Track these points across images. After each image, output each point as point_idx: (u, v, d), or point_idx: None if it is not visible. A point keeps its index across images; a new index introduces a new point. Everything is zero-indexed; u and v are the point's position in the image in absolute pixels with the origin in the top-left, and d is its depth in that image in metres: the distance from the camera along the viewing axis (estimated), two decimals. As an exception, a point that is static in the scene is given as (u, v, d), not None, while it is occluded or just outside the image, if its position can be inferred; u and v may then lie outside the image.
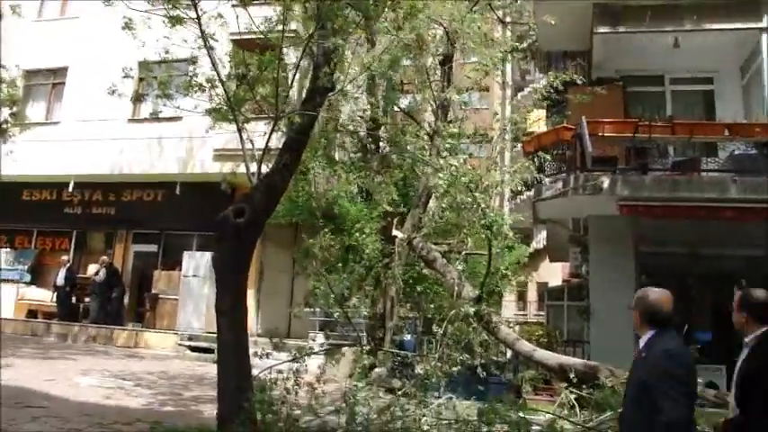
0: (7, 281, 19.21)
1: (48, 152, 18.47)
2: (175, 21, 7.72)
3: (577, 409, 8.13)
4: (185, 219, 17.45)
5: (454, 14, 10.29)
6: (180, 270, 17.56)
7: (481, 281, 9.55)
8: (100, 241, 20.12)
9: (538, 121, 15.40)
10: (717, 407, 7.82)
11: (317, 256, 9.89)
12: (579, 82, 12.53)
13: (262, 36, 8.15)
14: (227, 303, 7.09)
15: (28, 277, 19.49)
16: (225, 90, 7.78)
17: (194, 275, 17.06)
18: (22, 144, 17.64)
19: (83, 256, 19.92)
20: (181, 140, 17.32)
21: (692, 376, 3.61)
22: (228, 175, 9.51)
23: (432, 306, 10.88)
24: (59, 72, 19.98)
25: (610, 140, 12.21)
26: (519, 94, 28.00)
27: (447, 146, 7.98)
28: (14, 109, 17.81)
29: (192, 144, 17.33)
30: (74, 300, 18.39)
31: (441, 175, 7.73)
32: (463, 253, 10.16)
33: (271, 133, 7.42)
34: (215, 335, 7.66)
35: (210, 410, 7.57)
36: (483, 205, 7.86)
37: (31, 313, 18.52)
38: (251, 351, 7.73)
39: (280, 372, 7.70)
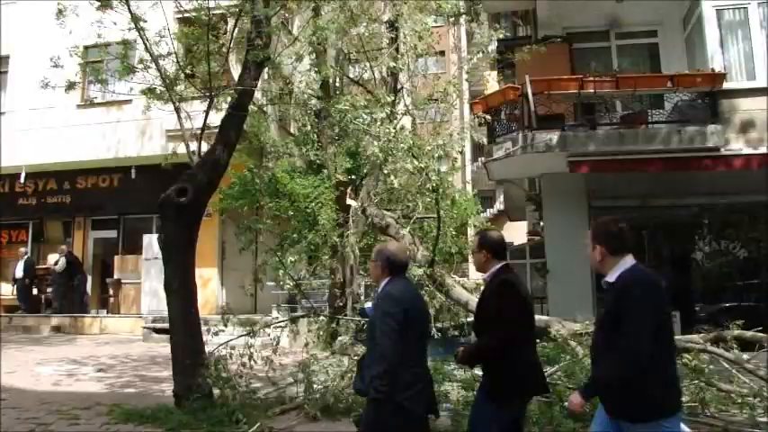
0: (-35, 277, 18.89)
1: (-4, 144, 18.02)
2: (104, 4, 7.59)
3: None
4: (143, 202, 17.19)
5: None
6: (140, 254, 17.43)
7: (433, 244, 9.66)
8: (58, 230, 19.86)
9: (486, 83, 15.45)
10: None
11: (268, 228, 9.88)
12: (524, 42, 12.55)
13: (195, 12, 8.05)
14: (175, 282, 7.12)
15: (-15, 272, 19.18)
16: (158, 69, 7.67)
17: (155, 258, 16.84)
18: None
19: (41, 246, 19.67)
20: (133, 124, 17.04)
21: (411, 313, 4.02)
22: (170, 155, 9.42)
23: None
24: (2, 61, 19.37)
25: (556, 98, 12.30)
26: (474, 58, 28.04)
27: (382, 114, 7.99)
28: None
29: (146, 127, 17.09)
30: (35, 291, 18.20)
31: (375, 143, 7.76)
32: (414, 217, 10.20)
33: (208, 110, 7.38)
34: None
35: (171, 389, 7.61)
36: (426, 169, 7.91)
37: (-8, 308, 18.28)
38: (209, 329, 7.80)
39: (233, 348, 7.78)
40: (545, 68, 12.39)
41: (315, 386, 7.77)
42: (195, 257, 7.40)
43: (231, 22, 8.54)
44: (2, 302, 18.37)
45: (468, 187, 25.99)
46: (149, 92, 7.97)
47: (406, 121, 11.78)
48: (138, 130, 17.27)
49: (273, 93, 13.42)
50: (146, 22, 7.67)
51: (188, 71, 8.06)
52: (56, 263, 17.56)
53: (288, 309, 14.55)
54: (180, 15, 10.81)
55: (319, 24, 9.30)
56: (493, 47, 16.25)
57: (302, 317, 10.08)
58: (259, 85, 8.81)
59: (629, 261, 3.70)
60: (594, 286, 12.78)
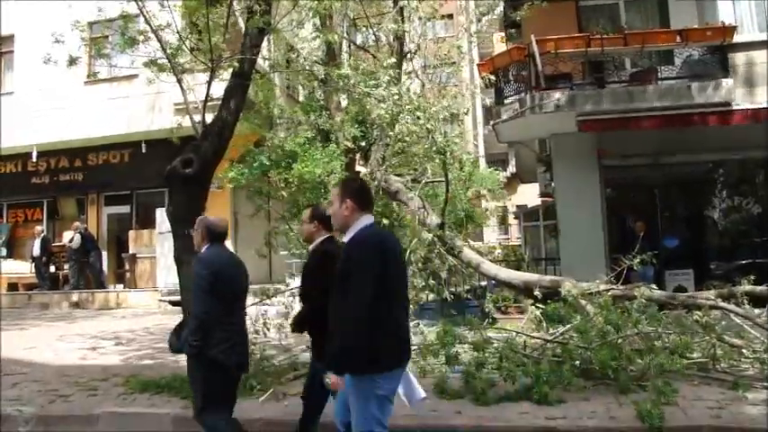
0: (-17, 258, 19.15)
1: (5, 124, 18.11)
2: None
3: (545, 324, 8.38)
4: (154, 177, 17.19)
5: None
6: (154, 228, 17.55)
7: (442, 207, 9.64)
8: (72, 208, 20.04)
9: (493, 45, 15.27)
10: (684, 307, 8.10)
11: (277, 198, 9.87)
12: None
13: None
14: (185, 254, 7.15)
15: (4, 251, 19.43)
16: (159, 40, 7.63)
17: (168, 232, 16.91)
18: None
19: (56, 224, 19.89)
20: (142, 98, 17.00)
21: (221, 276, 4.48)
22: (176, 128, 9.41)
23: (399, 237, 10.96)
24: (5, 41, 19.34)
25: (563, 57, 12.16)
26: (484, 19, 27.75)
27: (387, 77, 7.92)
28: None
29: (154, 101, 17.05)
30: (52, 269, 18.44)
31: (383, 105, 7.71)
32: (423, 181, 10.18)
33: (210, 81, 7.35)
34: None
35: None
36: (433, 131, 7.85)
37: (12, 286, 18.58)
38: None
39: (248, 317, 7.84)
40: (552, 28, 12.24)
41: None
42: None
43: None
44: (21, 281, 18.63)
45: (476, 148, 25.76)
46: (152, 64, 7.96)
47: (415, 86, 11.64)
48: (146, 105, 17.23)
49: (278, 60, 13.28)
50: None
51: (189, 42, 7.99)
52: (71, 240, 17.74)
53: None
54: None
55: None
56: (500, 8, 16.05)
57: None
58: (264, 53, 8.75)
59: (366, 220, 3.75)
60: (607, 246, 12.78)
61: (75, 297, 17.08)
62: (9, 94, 19.10)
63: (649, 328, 7.12)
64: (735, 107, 11.70)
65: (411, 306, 8.94)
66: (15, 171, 19.42)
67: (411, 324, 8.64)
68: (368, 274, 3.45)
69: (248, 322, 7.91)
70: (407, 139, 8.45)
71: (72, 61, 7.95)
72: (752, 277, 8.16)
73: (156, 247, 17.19)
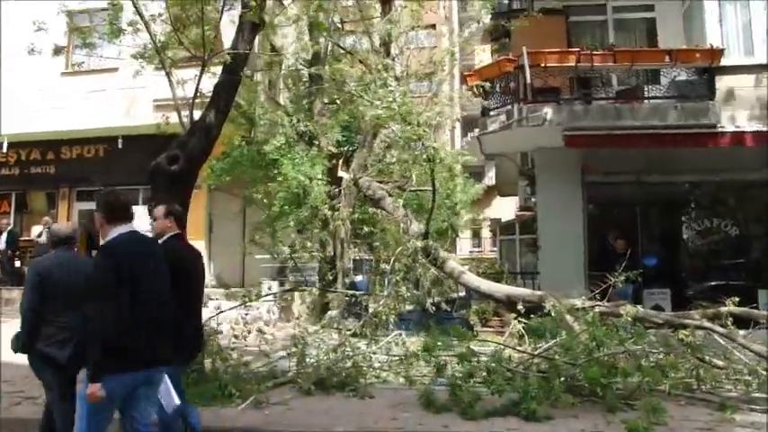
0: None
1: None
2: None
3: (526, 338, 8.29)
4: (130, 173, 16.89)
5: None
6: (127, 226, 17.08)
7: (427, 216, 9.51)
8: (41, 201, 19.49)
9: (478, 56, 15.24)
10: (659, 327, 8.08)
11: (258, 204, 9.68)
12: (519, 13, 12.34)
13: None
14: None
15: (-33, 243, 18.76)
16: (149, 32, 7.39)
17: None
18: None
19: (24, 217, 19.31)
20: (120, 92, 16.59)
21: (49, 279, 4.68)
22: (163, 123, 9.14)
23: (380, 245, 10.84)
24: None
25: (553, 71, 12.12)
26: (466, 31, 27.83)
27: (380, 81, 7.79)
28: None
29: (133, 95, 16.64)
30: (18, 263, 17.85)
31: (377, 103, 7.57)
32: (408, 189, 10.05)
33: (200, 76, 7.14)
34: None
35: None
36: (423, 137, 7.73)
37: (-25, 281, 17.92)
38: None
39: (222, 321, 7.64)
40: (541, 42, 12.19)
41: (307, 360, 7.67)
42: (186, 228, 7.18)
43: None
44: (-16, 274, 18.03)
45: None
46: (140, 56, 7.71)
47: (399, 94, 11.54)
48: (125, 99, 16.82)
49: (265, 60, 13.07)
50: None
51: (178, 35, 7.74)
52: (39, 235, 17.18)
53: (277, 282, 14.37)
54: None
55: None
56: (487, 18, 16.03)
57: (293, 290, 9.93)
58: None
59: (118, 230, 3.92)
60: (587, 262, 12.75)
61: (41, 293, 16.54)
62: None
63: (636, 347, 7.06)
64: (720, 129, 11.77)
65: (391, 316, 8.81)
66: (-17, 161, 18.81)
67: (391, 335, 8.54)
68: (105, 279, 3.68)
69: (225, 327, 7.77)
70: (400, 142, 8.32)
71: (57, 51, 7.67)
72: (736, 299, 8.15)
73: (129, 245, 16.70)
